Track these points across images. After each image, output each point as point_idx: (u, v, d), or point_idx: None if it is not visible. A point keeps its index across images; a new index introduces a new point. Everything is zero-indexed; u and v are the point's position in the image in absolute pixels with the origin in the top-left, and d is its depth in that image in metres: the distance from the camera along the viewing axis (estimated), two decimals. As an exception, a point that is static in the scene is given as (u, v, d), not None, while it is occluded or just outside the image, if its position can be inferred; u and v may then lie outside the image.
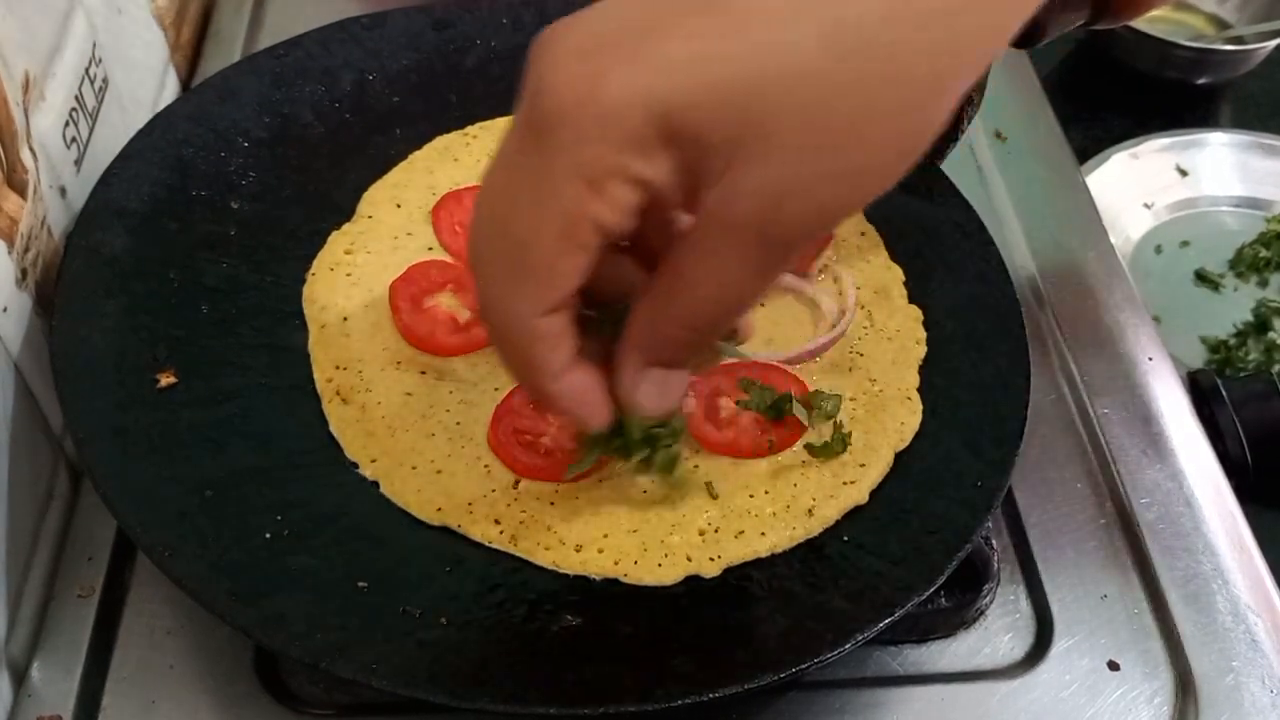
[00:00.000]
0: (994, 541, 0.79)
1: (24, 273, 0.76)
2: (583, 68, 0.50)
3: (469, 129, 0.96)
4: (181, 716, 0.71)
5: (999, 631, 0.79)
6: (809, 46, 0.49)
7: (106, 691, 0.72)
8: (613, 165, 0.50)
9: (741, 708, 0.74)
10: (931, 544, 0.72)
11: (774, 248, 0.53)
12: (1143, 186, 1.31)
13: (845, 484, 0.76)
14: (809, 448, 0.77)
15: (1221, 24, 1.48)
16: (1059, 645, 0.78)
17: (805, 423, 0.78)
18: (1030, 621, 0.79)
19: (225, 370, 0.78)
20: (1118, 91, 1.42)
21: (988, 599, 0.79)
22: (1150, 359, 0.94)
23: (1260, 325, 1.20)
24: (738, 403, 0.79)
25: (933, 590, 0.70)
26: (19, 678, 0.72)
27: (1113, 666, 0.77)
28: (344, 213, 0.89)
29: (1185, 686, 0.76)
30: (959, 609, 0.78)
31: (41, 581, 0.76)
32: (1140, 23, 1.40)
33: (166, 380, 0.76)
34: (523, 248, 0.53)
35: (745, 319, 0.65)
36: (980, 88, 0.90)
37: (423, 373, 0.80)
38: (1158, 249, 1.27)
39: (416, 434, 0.77)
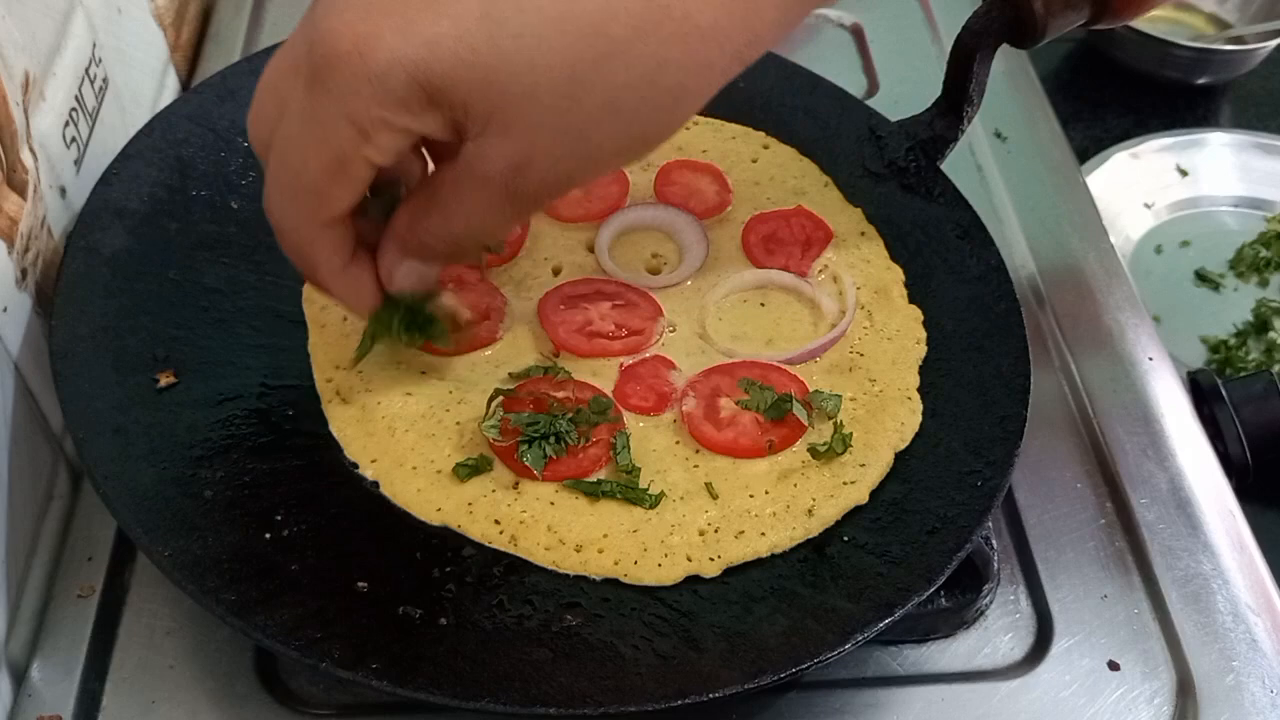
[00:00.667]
0: (994, 541, 0.79)
1: (24, 273, 0.76)
2: (359, 24, 0.56)
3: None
4: (181, 716, 0.71)
5: (999, 631, 0.79)
6: (568, 43, 0.56)
7: (106, 691, 0.72)
8: (379, 118, 0.57)
9: (742, 708, 0.74)
10: (932, 544, 0.72)
11: (518, 202, 0.62)
12: (1143, 186, 1.31)
13: (845, 484, 0.76)
14: (810, 448, 0.77)
15: (1221, 24, 1.48)
16: (1059, 645, 0.78)
17: (805, 423, 0.78)
18: (1030, 621, 0.79)
19: (225, 370, 0.78)
20: (1118, 91, 1.42)
21: (988, 599, 0.79)
22: (1150, 359, 0.94)
23: (1260, 325, 1.20)
24: (738, 403, 0.79)
25: (933, 590, 0.70)
26: (19, 678, 0.72)
27: (1113, 666, 0.77)
28: (344, 212, 0.89)
29: (1185, 686, 0.76)
30: (959, 609, 0.78)
31: (41, 581, 0.76)
32: (1140, 23, 1.40)
33: (166, 380, 0.76)
34: (298, 173, 0.61)
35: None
36: (980, 88, 0.90)
37: (423, 373, 0.79)
38: (1158, 249, 1.28)
39: (417, 434, 0.77)
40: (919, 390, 0.82)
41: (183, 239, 0.84)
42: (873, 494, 0.76)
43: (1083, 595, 0.80)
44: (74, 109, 0.85)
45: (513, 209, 0.63)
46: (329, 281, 0.68)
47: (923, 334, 0.85)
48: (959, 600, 0.77)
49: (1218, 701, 0.75)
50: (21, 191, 0.76)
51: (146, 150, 0.86)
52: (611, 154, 0.62)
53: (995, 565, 0.79)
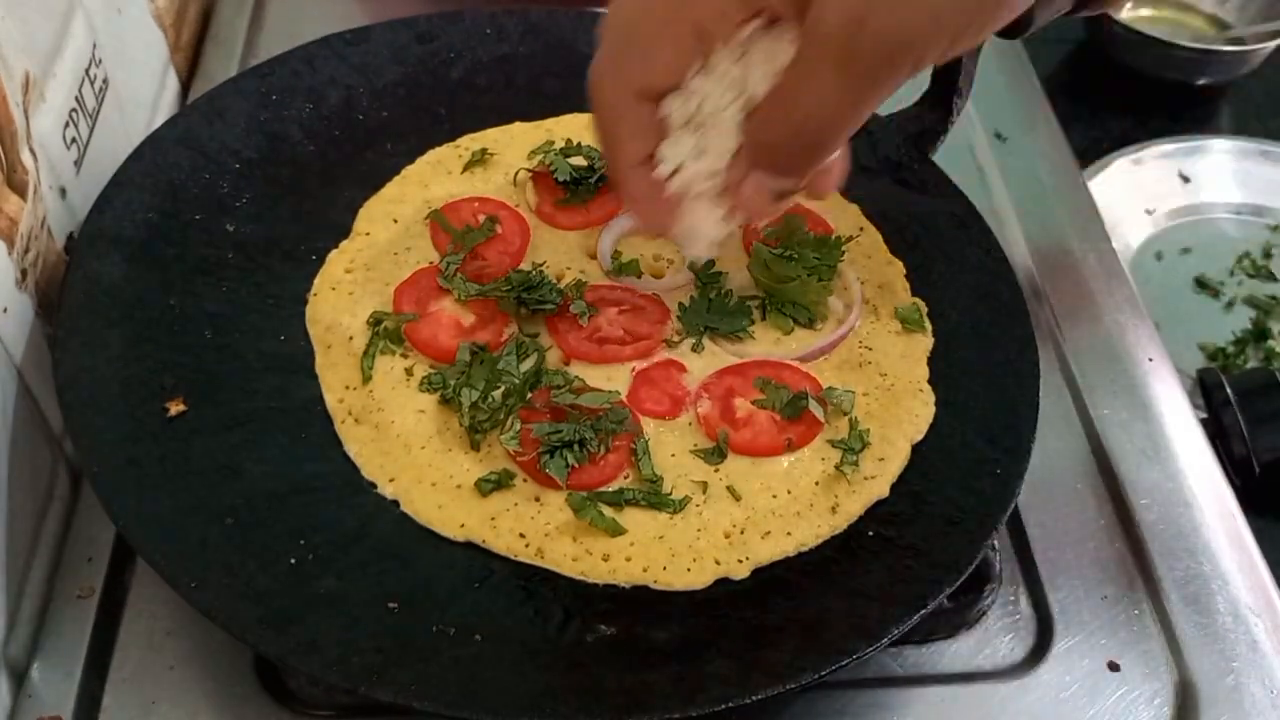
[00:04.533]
0: (995, 543, 0.79)
1: (24, 273, 0.76)
2: None
3: (459, 141, 0.95)
4: (181, 717, 0.71)
5: (1000, 632, 0.79)
6: None
7: (106, 692, 0.72)
8: None
9: (742, 708, 0.73)
10: (955, 534, 0.73)
11: (860, 68, 0.58)
12: (1144, 192, 1.31)
13: (866, 479, 0.77)
14: (829, 444, 0.78)
15: (1221, 25, 1.48)
16: (1059, 646, 0.78)
17: (822, 420, 0.78)
18: (1031, 622, 0.79)
19: (234, 395, 0.78)
20: (1118, 92, 1.42)
21: (989, 600, 0.79)
22: (1150, 359, 0.94)
23: (1259, 333, 1.20)
24: (753, 402, 0.79)
25: (961, 580, 0.70)
26: (19, 678, 0.72)
27: (1113, 667, 0.77)
28: (340, 231, 0.88)
29: (1185, 687, 0.76)
30: (960, 610, 0.78)
31: (41, 582, 0.76)
32: (1140, 23, 1.41)
33: (176, 409, 0.76)
34: (630, 28, 0.63)
35: (839, 163, 0.70)
36: (969, 79, 0.90)
37: (434, 391, 0.79)
38: (1158, 255, 1.28)
39: (433, 450, 0.77)
40: (929, 382, 0.82)
41: (181, 265, 0.83)
42: (893, 487, 0.77)
43: (1083, 596, 0.80)
44: (74, 109, 0.85)
45: (854, 80, 0.59)
46: (627, 174, 0.68)
47: (928, 325, 0.85)
48: (960, 601, 0.77)
49: (1218, 702, 0.75)
50: (21, 192, 0.76)
51: (138, 176, 0.86)
52: (950, 11, 0.57)
53: (996, 566, 0.79)
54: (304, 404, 0.79)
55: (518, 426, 0.76)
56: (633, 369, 0.81)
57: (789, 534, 0.74)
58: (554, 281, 0.84)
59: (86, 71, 0.88)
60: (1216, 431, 0.98)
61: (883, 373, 0.83)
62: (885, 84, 0.59)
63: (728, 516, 0.74)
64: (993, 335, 0.84)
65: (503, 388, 0.78)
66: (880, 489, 0.76)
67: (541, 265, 0.86)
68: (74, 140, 0.85)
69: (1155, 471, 0.87)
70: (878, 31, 0.57)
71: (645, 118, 0.66)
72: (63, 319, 0.77)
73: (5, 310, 0.74)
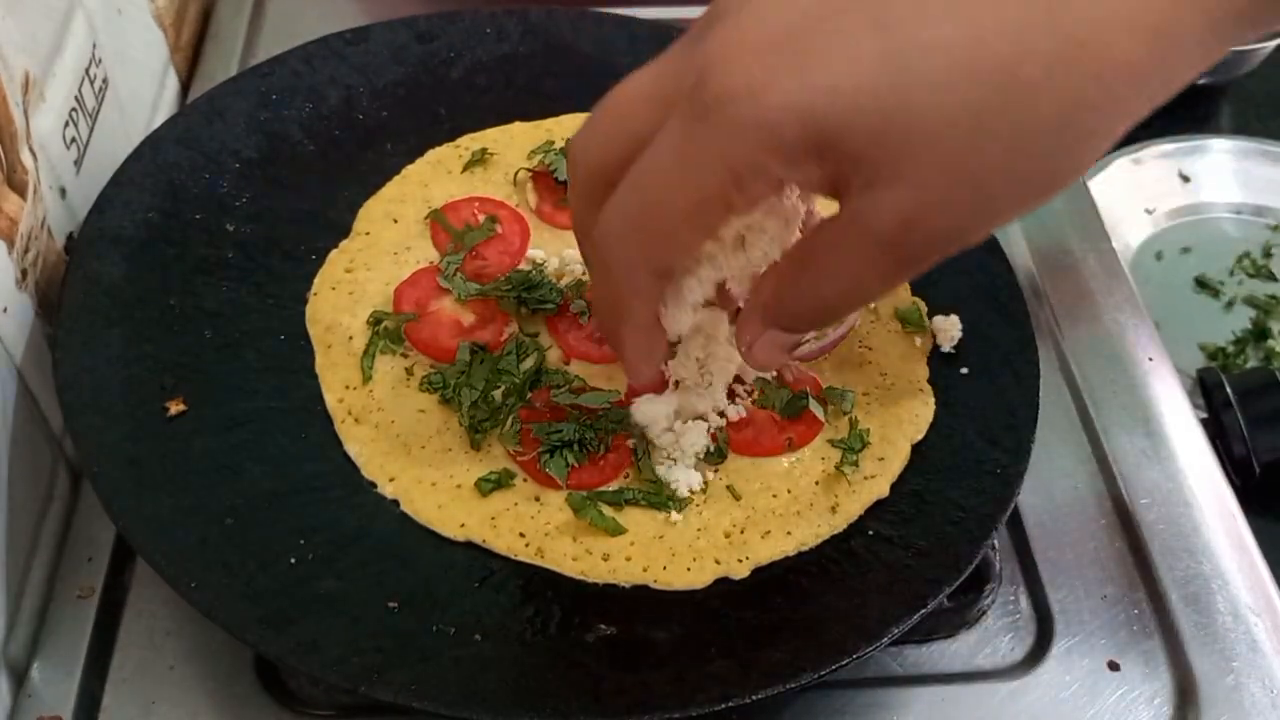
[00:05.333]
0: (995, 542, 0.79)
1: (24, 273, 0.76)
2: (753, 63, 0.53)
3: (459, 141, 0.95)
4: (181, 717, 0.71)
5: (999, 632, 0.79)
6: (976, 85, 0.52)
7: (106, 692, 0.72)
8: (760, 165, 0.54)
9: (742, 708, 0.73)
10: (956, 534, 0.73)
11: (905, 259, 0.57)
12: (1144, 192, 1.30)
13: (866, 478, 0.77)
14: (829, 444, 0.78)
15: (1221, 25, 1.48)
16: (1059, 645, 0.78)
17: (822, 419, 0.78)
18: (1030, 622, 0.79)
19: (234, 395, 0.78)
20: (1117, 92, 1.42)
21: (989, 599, 0.79)
22: (1150, 359, 0.94)
23: (1260, 333, 1.20)
24: (753, 402, 0.79)
25: (962, 579, 0.70)
26: (19, 678, 0.72)
27: (1113, 667, 0.77)
28: (340, 230, 0.88)
29: (1185, 687, 0.76)
30: (960, 609, 0.78)
31: (41, 582, 0.76)
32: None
33: (176, 408, 0.76)
34: (656, 210, 0.57)
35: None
36: None
37: (434, 390, 0.79)
38: (1158, 255, 1.27)
39: (433, 450, 0.77)
40: (929, 381, 0.82)
41: (181, 264, 0.83)
42: (893, 487, 0.77)
43: (1083, 596, 0.80)
44: (74, 109, 0.85)
45: (896, 268, 0.58)
46: (630, 335, 0.64)
47: (928, 325, 0.85)
48: (960, 600, 0.77)
49: (1218, 702, 0.75)
50: (21, 192, 0.76)
51: (138, 176, 0.86)
52: (1009, 203, 0.56)
53: (996, 565, 0.79)
54: (304, 404, 0.79)
55: (518, 426, 0.76)
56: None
57: (789, 534, 0.74)
58: (554, 281, 0.84)
59: (86, 71, 0.88)
60: (1216, 431, 0.98)
61: (883, 372, 0.83)
62: (928, 266, 0.58)
63: (728, 516, 0.74)
64: (992, 335, 0.84)
65: (503, 387, 0.78)
66: (880, 489, 0.77)
67: (542, 265, 0.86)
68: (74, 140, 0.85)
69: (1155, 471, 0.87)
70: (930, 231, 0.56)
71: (659, 288, 0.63)
72: (63, 319, 0.77)
73: (5, 310, 0.74)
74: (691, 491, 0.75)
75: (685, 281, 0.65)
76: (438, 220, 0.88)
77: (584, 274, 0.86)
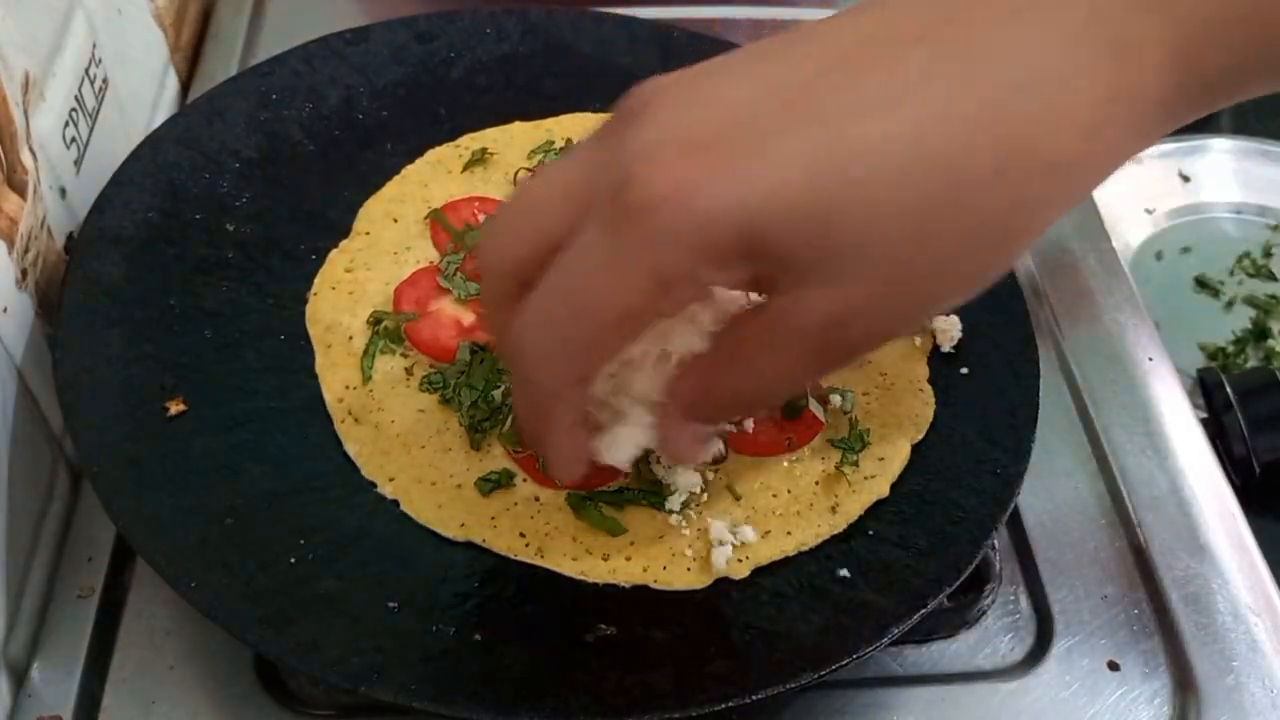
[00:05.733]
0: (995, 542, 0.79)
1: (24, 273, 0.76)
2: (679, 166, 0.50)
3: (460, 140, 0.95)
4: (181, 716, 0.71)
5: (999, 632, 0.79)
6: (916, 188, 0.50)
7: (106, 692, 0.72)
8: (689, 272, 0.51)
9: (742, 708, 0.73)
10: (956, 534, 0.73)
11: (834, 357, 0.56)
12: (1144, 192, 1.31)
13: (866, 478, 0.77)
14: (829, 443, 0.78)
15: (1221, 25, 1.48)
16: (1059, 645, 0.78)
17: (822, 419, 0.78)
18: (1030, 622, 0.79)
19: (234, 395, 0.77)
20: (1117, 92, 1.42)
21: (989, 599, 0.79)
22: (1150, 359, 0.94)
23: (1259, 332, 1.20)
24: None
25: (962, 579, 0.70)
26: (19, 678, 0.72)
27: (1113, 667, 0.77)
28: (340, 230, 0.88)
29: (1185, 687, 0.76)
30: (960, 609, 0.78)
31: (41, 581, 0.76)
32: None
33: (176, 408, 0.75)
34: (578, 325, 0.54)
35: None
36: None
37: (434, 390, 0.79)
38: (1158, 255, 1.28)
39: (433, 450, 0.76)
40: (929, 381, 0.82)
41: (180, 264, 0.83)
42: (893, 487, 0.77)
43: (1083, 595, 0.80)
44: (74, 109, 0.85)
45: (824, 364, 0.57)
46: (554, 440, 0.62)
47: (928, 325, 0.85)
48: (960, 600, 0.77)
49: (1218, 702, 0.75)
50: (21, 192, 0.76)
51: (137, 176, 0.85)
52: (942, 299, 0.56)
53: (996, 565, 0.79)
54: (304, 404, 0.79)
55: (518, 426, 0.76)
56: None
57: (789, 533, 0.74)
58: None
59: (86, 71, 0.88)
60: (1216, 431, 0.98)
61: (883, 372, 0.83)
62: (859, 358, 0.58)
63: (728, 516, 0.74)
64: (992, 334, 0.84)
65: (503, 387, 0.78)
66: (881, 489, 0.76)
67: None
68: (74, 140, 0.85)
69: (1155, 471, 0.87)
70: (862, 330, 0.55)
71: (584, 392, 0.60)
72: (63, 319, 0.77)
73: (5, 310, 0.74)
74: (691, 492, 0.75)
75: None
76: (438, 220, 0.88)
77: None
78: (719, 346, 0.60)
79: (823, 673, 0.66)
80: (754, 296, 0.61)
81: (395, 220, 0.89)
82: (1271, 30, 0.53)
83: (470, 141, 0.95)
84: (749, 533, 0.73)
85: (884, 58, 0.51)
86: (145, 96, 1.02)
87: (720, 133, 0.51)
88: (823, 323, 0.53)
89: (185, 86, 1.11)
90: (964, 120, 0.50)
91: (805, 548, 0.74)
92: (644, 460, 0.76)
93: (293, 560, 0.70)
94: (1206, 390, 1.01)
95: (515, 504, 0.74)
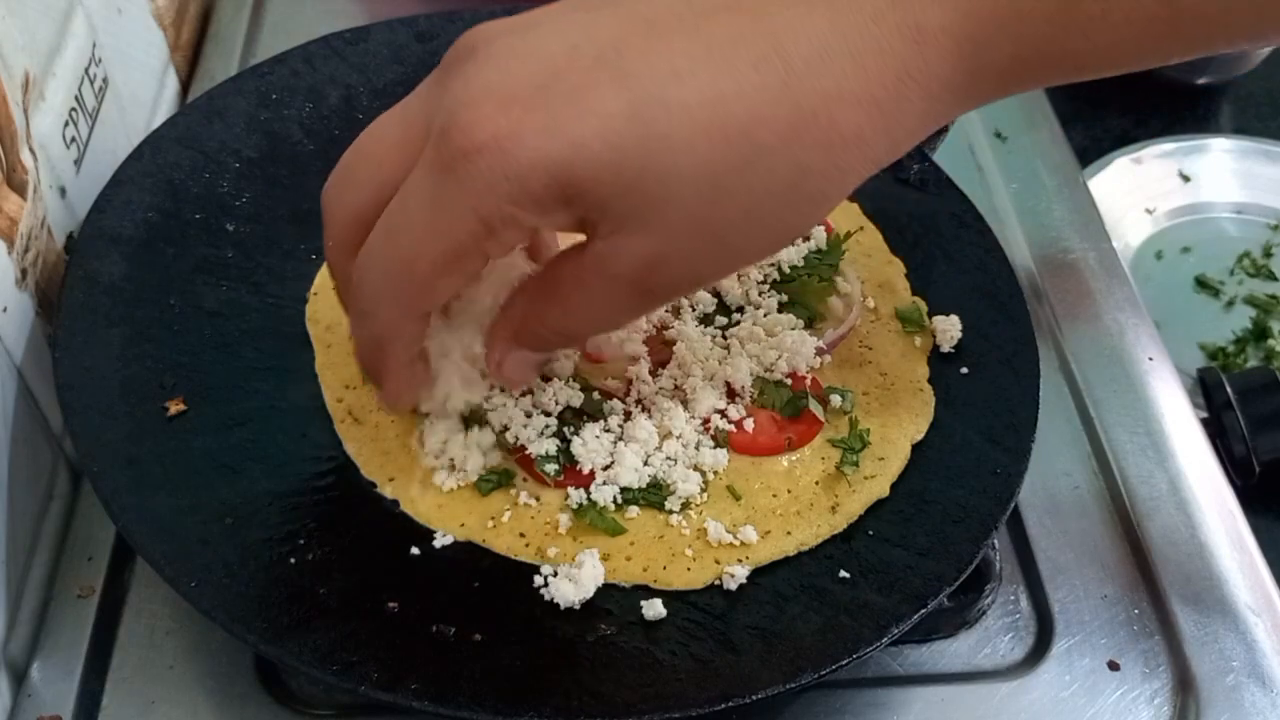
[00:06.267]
0: (995, 542, 0.79)
1: (24, 273, 0.77)
2: (499, 117, 0.54)
3: (459, 141, 0.95)
4: (181, 716, 0.71)
5: (999, 631, 0.79)
6: (714, 148, 0.55)
7: (106, 691, 0.72)
8: (509, 215, 0.56)
9: (741, 708, 0.74)
10: (957, 533, 0.73)
11: (645, 299, 0.62)
12: (1144, 191, 1.31)
13: (866, 478, 0.77)
14: (830, 443, 0.78)
15: (1222, 25, 1.48)
16: (1059, 645, 0.78)
17: (822, 419, 0.79)
18: (1030, 621, 0.79)
19: (234, 395, 0.77)
20: (1118, 91, 1.42)
21: (989, 599, 0.79)
22: (1150, 359, 0.94)
23: (1259, 332, 1.20)
24: (753, 400, 0.79)
25: (962, 579, 0.70)
26: (19, 678, 0.72)
27: (1113, 666, 0.77)
28: (341, 231, 0.88)
29: (1185, 686, 0.76)
30: (960, 609, 0.78)
31: (41, 581, 0.76)
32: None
33: (176, 408, 0.75)
34: (409, 263, 0.59)
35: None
36: None
37: None
38: (1158, 254, 1.28)
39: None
40: (929, 381, 0.82)
41: (180, 264, 0.83)
42: (893, 486, 0.77)
43: (1083, 595, 0.80)
44: (74, 109, 0.85)
45: (637, 305, 0.63)
46: (391, 375, 0.66)
47: (928, 323, 0.85)
48: (960, 600, 0.77)
49: (1218, 702, 0.75)
50: (21, 192, 0.76)
51: (137, 175, 0.85)
52: (744, 254, 0.62)
53: (996, 565, 0.79)
54: (304, 403, 0.79)
55: None
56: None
57: (789, 533, 0.74)
58: None
59: (86, 71, 0.88)
60: (1216, 431, 0.98)
61: (883, 372, 0.83)
62: (669, 302, 0.62)
63: (728, 516, 0.74)
64: (992, 335, 0.84)
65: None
66: (881, 488, 0.76)
67: None
68: (74, 140, 0.85)
69: (1155, 471, 0.87)
70: (669, 276, 0.59)
71: (421, 329, 0.65)
72: (63, 319, 0.77)
73: (5, 310, 0.74)
74: (691, 492, 0.75)
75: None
76: None
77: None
78: (542, 280, 0.63)
79: (823, 673, 0.66)
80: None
81: (395, 220, 0.89)
82: (1059, 23, 0.56)
83: (470, 141, 0.95)
84: (749, 533, 0.73)
85: (693, 23, 0.56)
86: (145, 96, 1.02)
87: (537, 85, 0.55)
88: (634, 267, 0.58)
89: (185, 86, 1.11)
90: (760, 90, 0.55)
91: (805, 548, 0.74)
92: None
93: (292, 560, 0.70)
94: (1206, 390, 1.01)
95: (515, 504, 0.74)
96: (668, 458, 0.76)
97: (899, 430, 0.79)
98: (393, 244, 0.59)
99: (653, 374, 0.79)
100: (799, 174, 0.57)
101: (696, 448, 0.77)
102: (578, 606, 0.69)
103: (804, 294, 0.85)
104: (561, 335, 0.66)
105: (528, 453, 0.74)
